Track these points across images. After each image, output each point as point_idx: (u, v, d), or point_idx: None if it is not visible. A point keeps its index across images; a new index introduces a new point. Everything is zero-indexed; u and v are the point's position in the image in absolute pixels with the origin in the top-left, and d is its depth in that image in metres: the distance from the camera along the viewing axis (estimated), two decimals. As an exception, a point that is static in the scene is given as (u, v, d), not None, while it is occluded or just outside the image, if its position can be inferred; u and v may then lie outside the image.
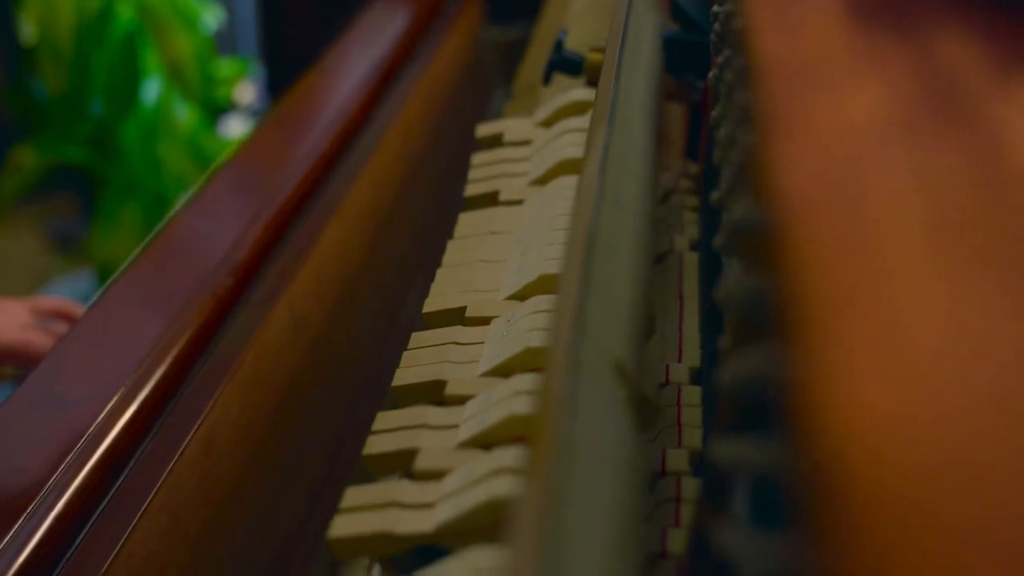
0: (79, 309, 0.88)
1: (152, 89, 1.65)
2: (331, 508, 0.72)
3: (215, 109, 1.57)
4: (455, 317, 0.54)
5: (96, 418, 0.58)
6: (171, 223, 0.78)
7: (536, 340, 0.48)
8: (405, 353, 0.52)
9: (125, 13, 1.54)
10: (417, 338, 0.53)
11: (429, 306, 0.56)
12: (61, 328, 0.86)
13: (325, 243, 0.80)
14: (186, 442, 0.58)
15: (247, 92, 2.06)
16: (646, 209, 0.45)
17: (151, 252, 0.75)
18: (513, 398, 0.44)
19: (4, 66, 2.72)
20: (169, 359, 0.64)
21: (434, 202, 1.03)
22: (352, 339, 0.81)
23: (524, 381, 0.45)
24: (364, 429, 0.78)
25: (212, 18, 1.67)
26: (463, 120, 1.20)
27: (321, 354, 0.76)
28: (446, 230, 1.02)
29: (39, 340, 0.83)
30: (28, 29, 1.49)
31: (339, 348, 0.79)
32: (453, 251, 0.61)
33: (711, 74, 0.49)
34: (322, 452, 0.74)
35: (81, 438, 0.57)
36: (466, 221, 0.64)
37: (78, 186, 1.98)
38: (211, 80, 1.52)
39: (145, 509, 0.56)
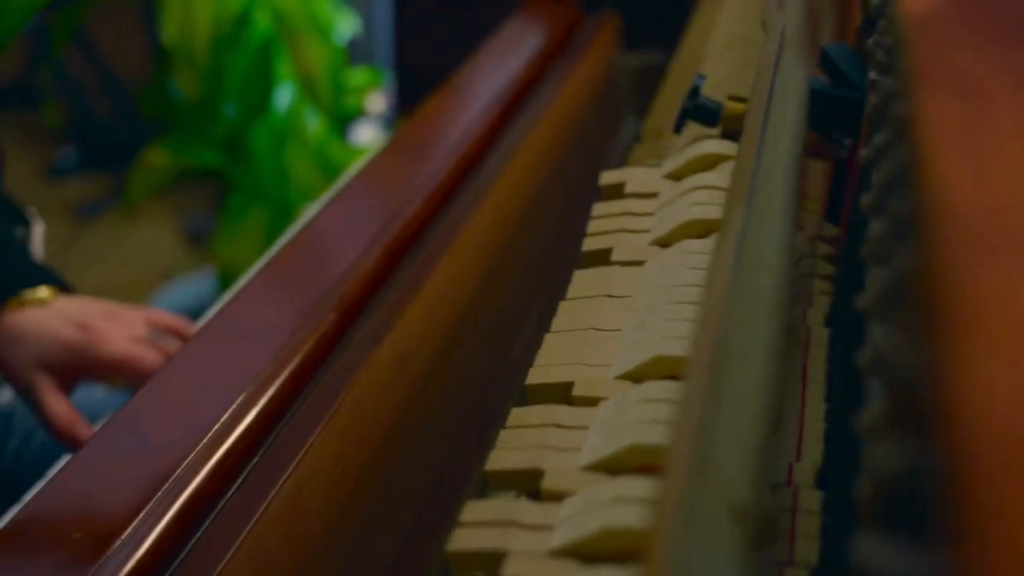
0: (192, 330, 0.87)
1: (284, 96, 1.66)
2: (419, 564, 0.68)
3: (344, 118, 1.56)
4: (560, 393, 0.50)
5: (180, 464, 0.56)
6: (281, 251, 0.76)
7: (646, 436, 0.43)
8: (502, 432, 0.48)
9: (262, 20, 1.55)
10: (516, 416, 0.49)
11: (533, 378, 0.52)
12: (172, 345, 0.85)
13: (436, 280, 0.76)
14: (272, 495, 0.56)
15: (378, 101, 2.06)
16: (783, 307, 0.40)
17: (256, 282, 0.73)
18: (615, 506, 0.40)
19: (146, 66, 2.78)
20: (262, 402, 0.62)
21: (551, 240, 0.99)
22: (455, 383, 0.78)
23: (629, 486, 0.41)
24: (458, 480, 0.75)
25: (347, 28, 1.67)
26: (590, 152, 1.16)
27: (422, 399, 0.72)
28: (560, 271, 0.98)
29: (147, 356, 0.82)
30: (167, 32, 1.51)
31: (440, 393, 0.75)
32: (564, 314, 0.57)
33: (864, 152, 0.44)
34: (413, 506, 0.70)
35: (163, 486, 0.55)
36: (581, 280, 0.60)
37: (212, 182, 2.01)
38: (342, 90, 1.51)
39: (225, 565, 0.53)
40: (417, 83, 1.45)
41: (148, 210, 2.58)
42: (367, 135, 2.15)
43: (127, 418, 0.59)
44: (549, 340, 0.55)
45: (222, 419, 0.59)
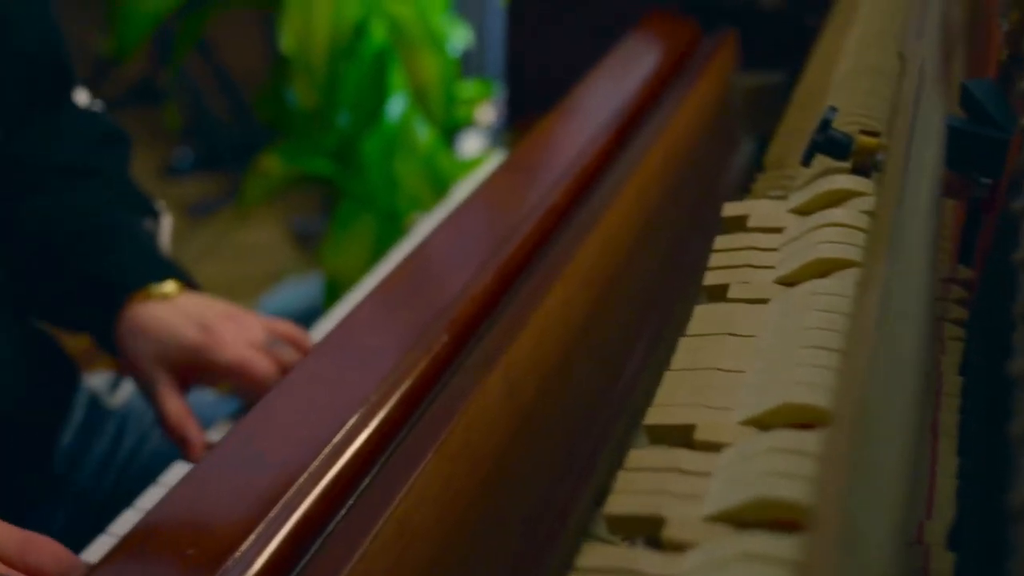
0: (307, 339, 0.88)
1: (396, 107, 1.67)
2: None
3: (454, 129, 1.56)
4: (681, 436, 0.49)
5: (292, 484, 0.56)
6: (394, 270, 0.76)
7: (773, 489, 0.42)
8: (620, 474, 0.47)
9: (378, 31, 1.56)
10: (636, 457, 0.47)
11: (653, 418, 0.50)
12: (288, 354, 0.85)
13: (549, 304, 0.76)
14: (382, 521, 0.55)
15: (487, 112, 2.06)
16: (925, 360, 0.38)
17: (369, 302, 0.73)
18: (742, 563, 0.38)
19: (263, 71, 2.84)
20: (373, 424, 0.62)
21: (661, 266, 0.97)
22: (562, 410, 0.77)
23: (757, 542, 0.39)
24: (564, 507, 0.74)
25: (460, 39, 1.67)
26: (704, 175, 1.14)
27: (530, 425, 0.71)
28: (670, 298, 0.97)
29: (261, 364, 0.82)
30: (286, 40, 1.53)
31: (548, 419, 0.74)
32: (685, 352, 0.55)
33: (1018, 205, 0.41)
34: (519, 532, 0.70)
35: (275, 506, 0.55)
36: (703, 316, 0.58)
37: (322, 187, 2.04)
38: (454, 101, 1.52)
39: (332, 589, 0.53)
40: (528, 95, 1.45)
41: (258, 211, 2.63)
42: (474, 146, 2.15)
43: (243, 434, 0.59)
44: (669, 378, 0.53)
45: (334, 440, 0.60)
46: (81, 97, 0.97)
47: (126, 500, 0.75)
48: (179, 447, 0.82)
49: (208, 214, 2.84)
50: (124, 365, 0.85)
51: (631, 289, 0.90)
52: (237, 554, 0.52)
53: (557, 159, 0.94)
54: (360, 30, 1.52)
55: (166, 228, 1.04)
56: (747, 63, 1.29)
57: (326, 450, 0.58)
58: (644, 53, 1.21)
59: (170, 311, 0.84)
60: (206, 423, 0.85)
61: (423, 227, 1.19)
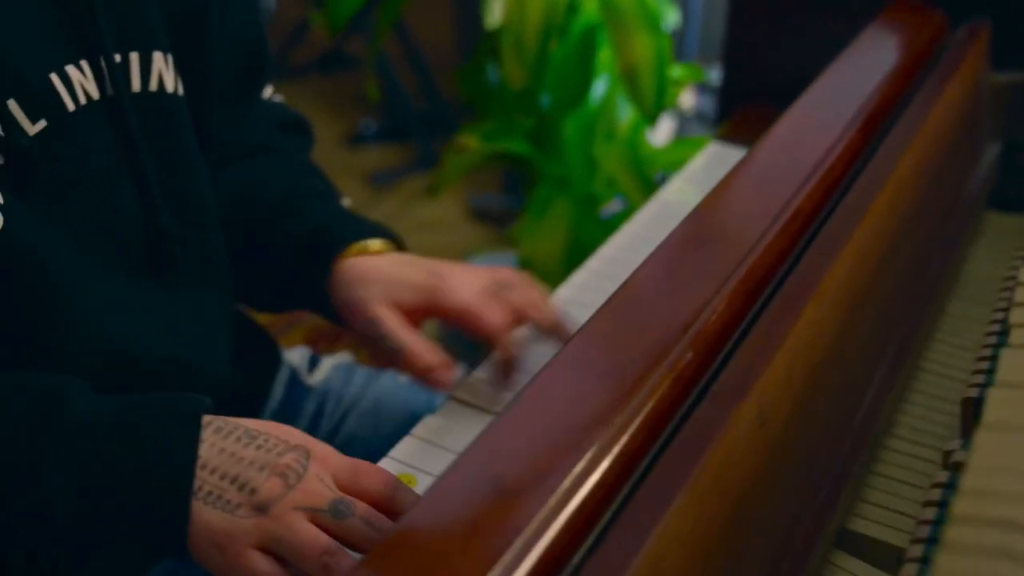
0: (535, 288, 0.83)
1: (599, 87, 1.61)
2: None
3: (658, 112, 1.49)
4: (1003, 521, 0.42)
5: (536, 514, 0.51)
6: (629, 282, 0.70)
7: None
8: (939, 558, 0.40)
9: (590, 8, 1.50)
10: (955, 542, 0.40)
11: (967, 506, 0.43)
12: (515, 297, 0.82)
13: (800, 325, 0.68)
14: (637, 562, 0.50)
15: (687, 97, 1.98)
16: None
17: (605, 312, 0.67)
18: None
19: (461, 46, 2.83)
20: (617, 449, 0.56)
21: (903, 283, 0.88)
22: (808, 441, 0.70)
23: None
24: (804, 544, 0.67)
25: (672, 19, 1.60)
26: (949, 184, 1.04)
27: (777, 457, 0.65)
28: (913, 318, 0.88)
29: (494, 310, 0.79)
30: (493, 15, 1.49)
31: (794, 451, 0.68)
32: (998, 406, 0.48)
33: None
34: (762, 570, 0.63)
35: (515, 539, 0.50)
36: (1013, 362, 0.50)
37: (503, 164, 2.01)
38: (665, 83, 1.44)
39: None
40: (745, 83, 1.37)
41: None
42: (666, 131, 2.08)
43: (480, 456, 0.55)
44: (981, 440, 0.46)
45: (575, 470, 0.54)
46: (267, 91, 0.95)
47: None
48: (423, 380, 0.79)
49: (390, 183, 2.85)
50: (348, 317, 0.82)
51: (875, 308, 0.82)
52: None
53: (800, 161, 0.86)
54: (573, 6, 1.46)
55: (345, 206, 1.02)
56: (1000, 60, 1.17)
57: (566, 481, 0.53)
58: (887, 47, 1.11)
59: (391, 261, 0.83)
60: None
61: (631, 226, 1.13)
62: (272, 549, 0.59)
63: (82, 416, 0.61)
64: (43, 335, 0.67)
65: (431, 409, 1.03)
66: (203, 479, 0.60)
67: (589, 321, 0.65)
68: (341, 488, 0.61)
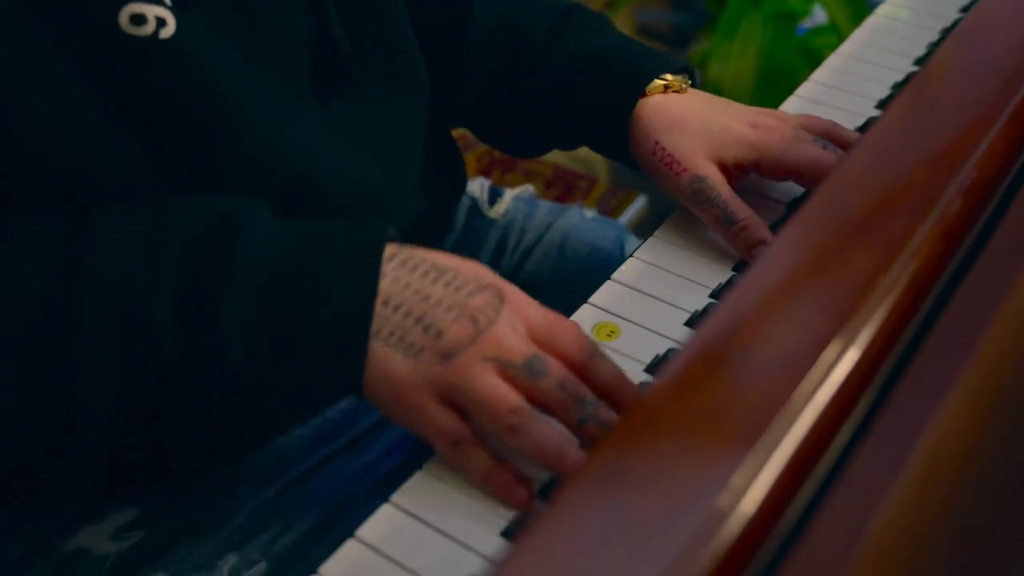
0: (848, 133, 0.73)
1: None
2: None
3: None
4: None
5: (789, 392, 0.44)
6: (880, 119, 0.59)
7: None
8: None
9: None
10: None
11: None
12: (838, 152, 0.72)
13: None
14: (907, 466, 0.42)
15: None
16: None
17: (854, 156, 0.57)
18: None
19: None
20: (879, 317, 0.48)
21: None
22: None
23: None
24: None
25: None
26: None
27: (982, 450, 0.54)
28: None
29: (826, 159, 0.69)
30: None
31: (999, 444, 0.56)
32: None
33: None
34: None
35: (774, 415, 0.43)
36: None
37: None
38: None
39: None
40: None
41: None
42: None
43: (720, 327, 0.47)
44: None
45: (832, 343, 0.46)
46: None
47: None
48: (750, 255, 0.70)
49: None
50: (658, 165, 0.73)
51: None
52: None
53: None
54: None
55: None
56: None
57: (826, 355, 0.45)
58: None
59: (702, 104, 0.73)
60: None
61: (846, 45, 1.00)
62: (454, 400, 0.53)
63: (260, 241, 0.55)
64: (215, 156, 0.61)
65: (620, 247, 0.96)
66: (385, 316, 0.54)
67: (840, 165, 0.56)
68: (535, 342, 0.55)
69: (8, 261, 0.54)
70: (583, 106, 0.76)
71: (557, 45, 0.77)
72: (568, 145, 0.83)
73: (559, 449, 0.52)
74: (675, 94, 0.74)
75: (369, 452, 0.73)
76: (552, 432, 0.52)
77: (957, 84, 0.62)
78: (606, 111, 0.75)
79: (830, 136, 0.72)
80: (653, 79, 0.73)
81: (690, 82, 0.76)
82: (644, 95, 0.73)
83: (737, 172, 0.72)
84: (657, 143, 0.72)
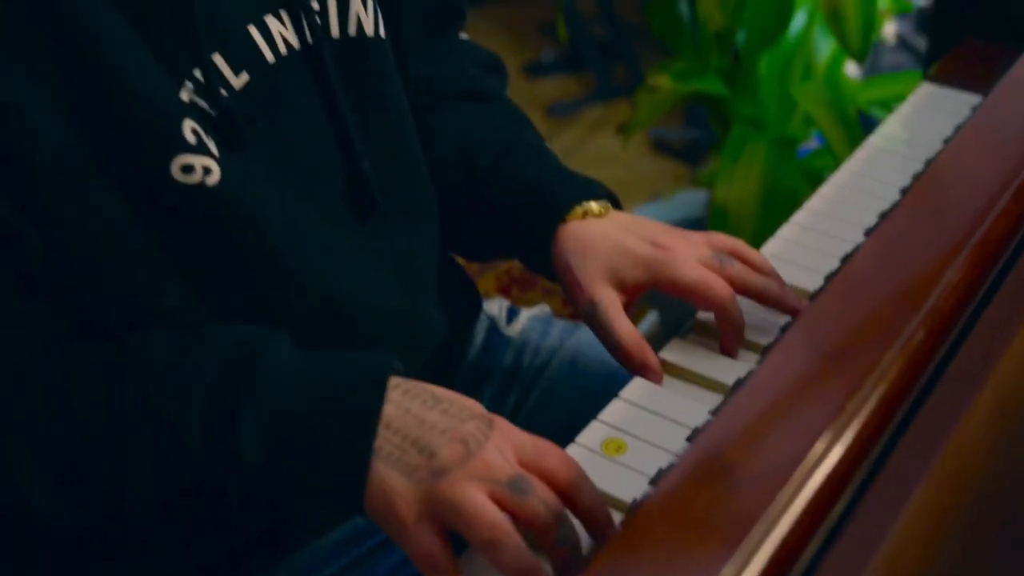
0: (756, 255, 0.79)
1: (796, 22, 1.54)
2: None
3: (865, 50, 1.41)
4: None
5: (768, 506, 0.51)
6: (857, 256, 0.67)
7: None
8: None
9: (790, -59, 1.43)
10: None
11: None
12: (738, 270, 0.78)
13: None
14: (872, 564, 0.49)
15: (888, 26, 1.88)
16: None
17: (832, 290, 0.65)
18: None
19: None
20: (849, 436, 0.55)
21: None
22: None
23: None
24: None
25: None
26: None
27: (1010, 449, 0.62)
28: None
29: (719, 284, 0.75)
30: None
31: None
32: None
33: None
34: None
35: (752, 527, 0.49)
36: None
37: (689, 100, 1.95)
38: (872, 18, 1.36)
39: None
40: (959, 17, 1.28)
41: (615, 117, 2.58)
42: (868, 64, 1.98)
43: (709, 446, 0.54)
44: None
45: (808, 457, 0.53)
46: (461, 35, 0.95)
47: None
48: (637, 373, 0.76)
49: (568, 115, 2.82)
50: (566, 285, 0.81)
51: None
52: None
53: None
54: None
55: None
56: None
57: (799, 471, 0.52)
58: None
59: (613, 227, 0.80)
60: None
61: (839, 175, 1.08)
62: (442, 518, 0.58)
63: (279, 367, 0.63)
64: (253, 288, 0.69)
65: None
66: (386, 438, 0.60)
67: (816, 299, 0.63)
68: (522, 465, 0.59)
69: (64, 382, 0.62)
70: (516, 228, 0.83)
71: (497, 174, 0.84)
72: (508, 257, 0.90)
73: (534, 569, 0.55)
74: (594, 219, 0.80)
75: (395, 554, 0.79)
76: (529, 554, 0.55)
77: (922, 224, 0.70)
78: (531, 234, 0.81)
79: (734, 253, 0.77)
80: (573, 207, 0.80)
81: (609, 206, 0.81)
82: (564, 221, 0.80)
83: (636, 292, 0.77)
84: (567, 265, 0.78)
